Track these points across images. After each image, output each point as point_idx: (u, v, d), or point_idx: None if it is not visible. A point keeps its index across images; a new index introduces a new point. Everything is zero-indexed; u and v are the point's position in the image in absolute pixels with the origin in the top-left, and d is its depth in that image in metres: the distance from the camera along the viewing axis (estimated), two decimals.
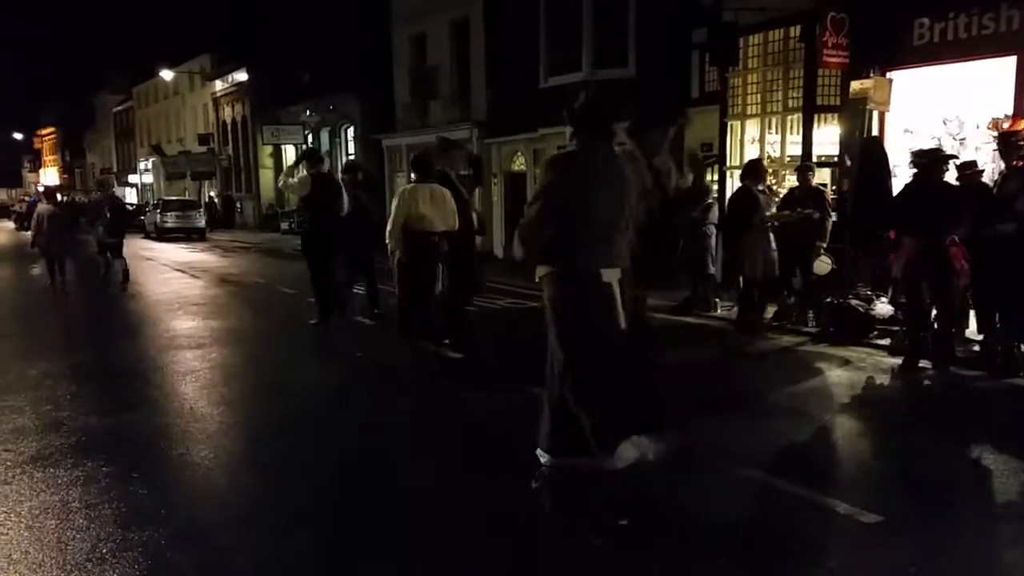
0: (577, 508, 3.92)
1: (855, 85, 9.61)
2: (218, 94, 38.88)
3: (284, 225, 31.79)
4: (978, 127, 9.54)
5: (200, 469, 4.75)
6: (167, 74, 38.23)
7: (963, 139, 10.10)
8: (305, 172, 9.32)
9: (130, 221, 21.77)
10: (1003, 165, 7.79)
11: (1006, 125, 8.97)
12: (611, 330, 3.72)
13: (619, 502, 3.79)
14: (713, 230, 10.45)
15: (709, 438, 5.05)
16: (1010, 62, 9.38)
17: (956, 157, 7.79)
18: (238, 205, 38.25)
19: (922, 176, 6.95)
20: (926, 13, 9.93)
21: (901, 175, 8.51)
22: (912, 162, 7.11)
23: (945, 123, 10.36)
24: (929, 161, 6.96)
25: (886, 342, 7.73)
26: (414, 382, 6.90)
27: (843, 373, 6.94)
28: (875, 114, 10.51)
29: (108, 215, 13.91)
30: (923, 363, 6.89)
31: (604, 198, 3.79)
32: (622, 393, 3.67)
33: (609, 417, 3.67)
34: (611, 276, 3.74)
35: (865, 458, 4.95)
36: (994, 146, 8.73)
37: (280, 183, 10.69)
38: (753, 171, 9.12)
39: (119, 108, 55.63)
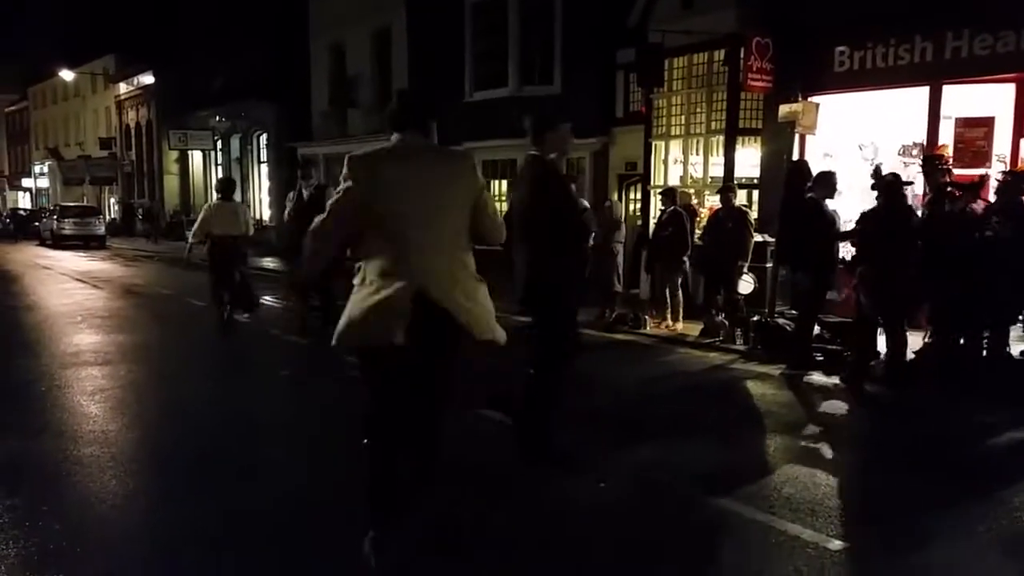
0: None
1: (784, 109, 9.83)
2: (122, 97, 37.32)
3: (189, 234, 30.63)
4: (903, 152, 9.91)
5: (116, 500, 4.35)
6: (67, 74, 36.34)
7: (879, 164, 10.49)
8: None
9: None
10: (927, 187, 8.07)
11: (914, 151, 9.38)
12: None
13: None
14: (619, 248, 10.59)
15: (657, 461, 4.97)
16: (923, 92, 9.80)
17: (912, 183, 7.95)
18: (139, 212, 36.67)
19: (887, 202, 7.05)
20: (846, 42, 10.28)
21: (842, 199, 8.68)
22: (877, 185, 7.20)
23: (861, 148, 10.75)
24: (892, 184, 7.08)
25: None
26: (342, 402, 6.59)
27: (779, 392, 7.00)
28: (796, 137, 10.82)
29: None
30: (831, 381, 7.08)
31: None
32: None
33: None
34: None
35: (819, 480, 4.92)
36: (916, 170, 9.09)
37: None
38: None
39: (12, 108, 52.76)
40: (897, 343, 6.91)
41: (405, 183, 3.27)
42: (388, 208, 3.25)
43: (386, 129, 3.42)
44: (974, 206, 7.00)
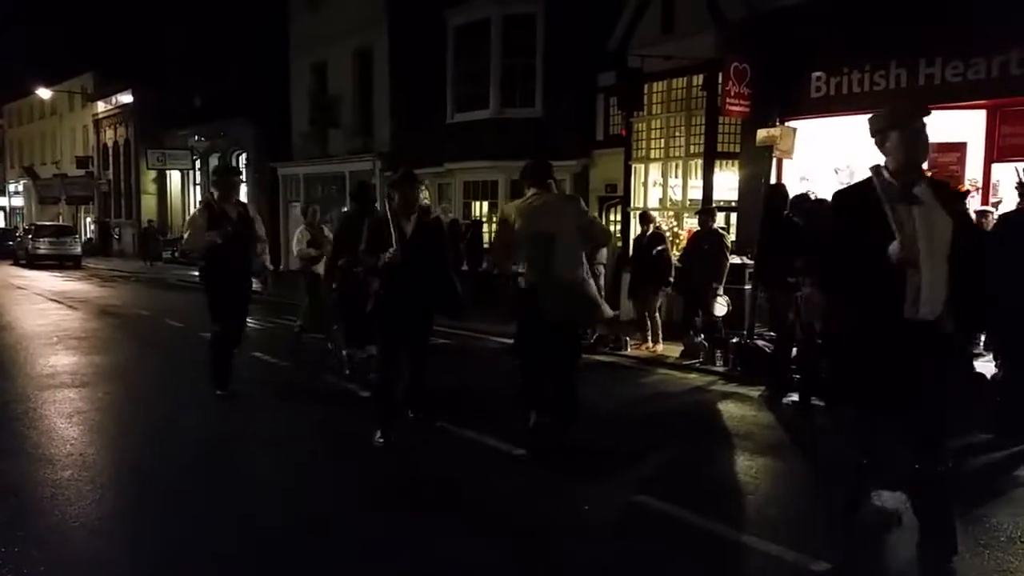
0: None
1: (762, 133, 9.96)
2: (100, 116, 37.04)
3: (167, 253, 30.40)
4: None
5: (94, 524, 4.29)
6: (44, 92, 36.02)
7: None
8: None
9: None
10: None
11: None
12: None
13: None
14: (602, 270, 10.67)
15: (641, 483, 4.99)
16: None
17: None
18: (116, 231, 36.35)
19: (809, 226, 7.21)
20: (823, 68, 10.47)
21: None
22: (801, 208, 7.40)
23: (836, 172, 10.89)
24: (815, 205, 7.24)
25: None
26: (324, 424, 6.57)
27: (759, 413, 7.04)
28: (774, 161, 10.96)
29: None
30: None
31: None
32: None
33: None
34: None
35: (801, 501, 4.95)
36: None
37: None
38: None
39: None
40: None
41: (537, 219, 5.41)
42: (528, 234, 5.44)
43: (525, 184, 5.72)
44: None
